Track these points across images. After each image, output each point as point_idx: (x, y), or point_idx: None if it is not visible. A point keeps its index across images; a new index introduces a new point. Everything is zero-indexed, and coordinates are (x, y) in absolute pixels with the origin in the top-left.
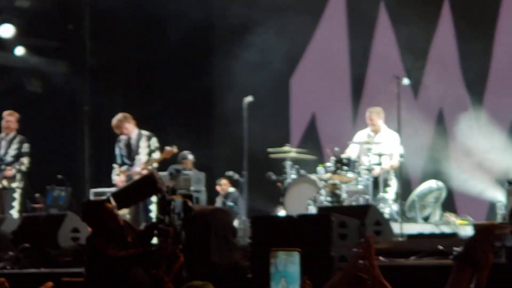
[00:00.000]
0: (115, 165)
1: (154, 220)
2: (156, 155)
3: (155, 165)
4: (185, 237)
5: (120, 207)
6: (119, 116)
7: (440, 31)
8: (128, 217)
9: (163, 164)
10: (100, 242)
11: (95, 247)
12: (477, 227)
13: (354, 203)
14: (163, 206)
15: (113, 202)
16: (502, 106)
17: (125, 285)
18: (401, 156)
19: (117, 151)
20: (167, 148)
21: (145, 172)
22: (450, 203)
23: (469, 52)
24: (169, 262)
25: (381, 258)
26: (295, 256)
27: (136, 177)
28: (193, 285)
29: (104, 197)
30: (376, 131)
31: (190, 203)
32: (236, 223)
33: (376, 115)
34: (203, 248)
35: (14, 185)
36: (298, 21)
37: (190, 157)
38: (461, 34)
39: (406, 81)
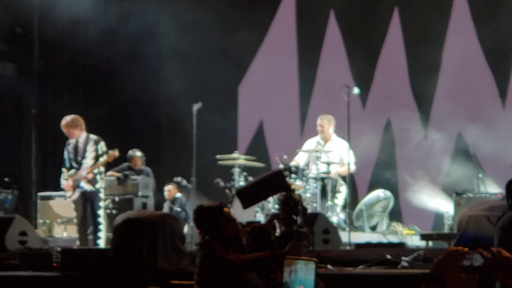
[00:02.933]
0: (63, 169)
1: (293, 221)
2: (103, 159)
3: (102, 168)
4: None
5: (247, 204)
6: (70, 118)
7: (388, 41)
8: (75, 220)
9: (112, 167)
10: (218, 248)
11: (214, 253)
12: (448, 249)
13: None
14: (291, 206)
15: (237, 200)
16: (450, 117)
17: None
18: (355, 163)
19: (65, 154)
20: (110, 151)
21: (90, 176)
22: (396, 213)
23: (418, 63)
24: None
25: (329, 266)
26: (313, 265)
27: (265, 174)
28: None
29: (217, 203)
30: (325, 139)
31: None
32: (184, 229)
33: (327, 122)
34: (151, 254)
35: None
36: (247, 28)
37: (138, 154)
38: (410, 44)
39: (356, 90)
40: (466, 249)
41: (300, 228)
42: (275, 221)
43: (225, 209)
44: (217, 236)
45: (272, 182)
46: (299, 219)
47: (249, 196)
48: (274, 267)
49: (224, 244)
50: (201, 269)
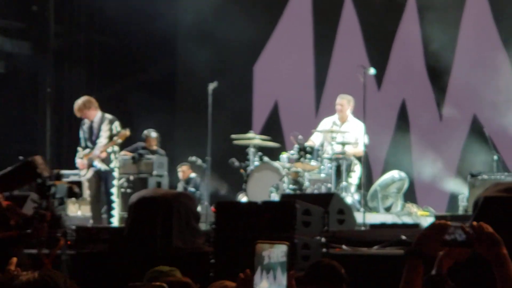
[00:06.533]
0: (79, 148)
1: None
2: (117, 138)
3: (116, 148)
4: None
5: None
6: (81, 101)
7: (404, 22)
8: (89, 199)
9: (127, 145)
10: None
11: None
12: (430, 224)
13: (316, 192)
14: (43, 191)
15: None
16: (465, 99)
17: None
18: (365, 146)
19: (81, 134)
20: (121, 131)
21: (104, 155)
22: (411, 194)
23: (434, 44)
24: (49, 245)
25: (344, 246)
26: (284, 249)
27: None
28: (160, 270)
29: None
30: (343, 119)
31: (76, 189)
32: (198, 208)
33: (347, 102)
34: (166, 233)
35: None
36: (263, 8)
37: (154, 134)
38: (425, 25)
39: (372, 70)
40: (448, 223)
41: (41, 211)
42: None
43: None
44: None
45: (23, 171)
46: (44, 203)
47: (1, 184)
48: (34, 245)
49: None
50: None
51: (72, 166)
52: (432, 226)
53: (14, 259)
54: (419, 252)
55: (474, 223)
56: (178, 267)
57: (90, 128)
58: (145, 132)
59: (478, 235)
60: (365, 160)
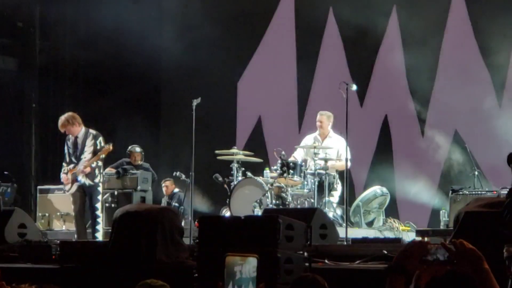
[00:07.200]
0: (64, 163)
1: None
2: (101, 153)
3: (100, 163)
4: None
5: None
6: (64, 117)
7: (387, 38)
8: (73, 214)
9: (111, 161)
10: None
11: None
12: (411, 241)
13: (299, 207)
14: None
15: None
16: (447, 114)
17: None
18: (350, 160)
19: (65, 149)
20: (105, 146)
21: (88, 170)
22: (393, 209)
23: (415, 60)
24: None
25: (326, 261)
26: (253, 262)
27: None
28: (149, 284)
29: None
30: (323, 135)
31: None
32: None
33: (326, 118)
34: (150, 247)
35: None
36: (247, 25)
37: (138, 149)
38: (407, 42)
39: (354, 87)
40: (429, 241)
41: None
42: None
43: None
44: None
45: None
46: None
47: None
48: None
49: None
50: None
51: (57, 181)
52: (412, 244)
53: None
54: (401, 268)
55: (454, 240)
56: (162, 281)
57: (75, 143)
58: (129, 148)
59: (459, 252)
60: (347, 175)
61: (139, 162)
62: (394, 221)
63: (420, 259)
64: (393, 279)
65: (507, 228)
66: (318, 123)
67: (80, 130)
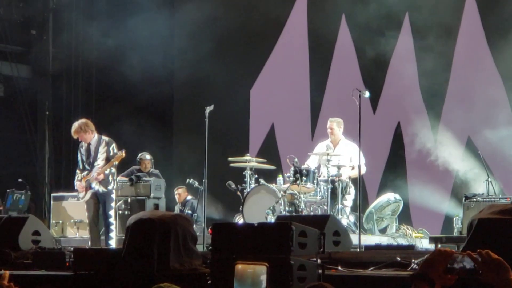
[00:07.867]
0: (77, 171)
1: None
2: (114, 160)
3: (113, 170)
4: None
5: None
6: (77, 123)
7: (400, 45)
8: (87, 221)
9: (123, 167)
10: None
11: None
12: (436, 250)
13: (312, 214)
14: None
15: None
16: (460, 120)
17: None
18: (365, 164)
19: (79, 156)
20: (118, 152)
21: (101, 177)
22: (406, 216)
23: (428, 67)
24: None
25: (339, 268)
26: (263, 270)
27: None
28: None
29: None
30: (335, 142)
31: None
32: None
33: (336, 125)
34: (163, 254)
35: None
36: (260, 33)
37: (148, 157)
38: (420, 49)
39: (367, 94)
40: (453, 250)
41: None
42: None
43: None
44: None
45: None
46: None
47: None
48: None
49: None
50: None
51: (71, 188)
52: (438, 252)
53: (7, 273)
54: (425, 276)
55: (480, 250)
56: None
57: (88, 150)
58: (139, 155)
59: (485, 262)
60: (360, 182)
61: (149, 170)
62: (407, 228)
63: (445, 268)
64: (417, 287)
65: None
66: (329, 130)
67: (93, 137)
